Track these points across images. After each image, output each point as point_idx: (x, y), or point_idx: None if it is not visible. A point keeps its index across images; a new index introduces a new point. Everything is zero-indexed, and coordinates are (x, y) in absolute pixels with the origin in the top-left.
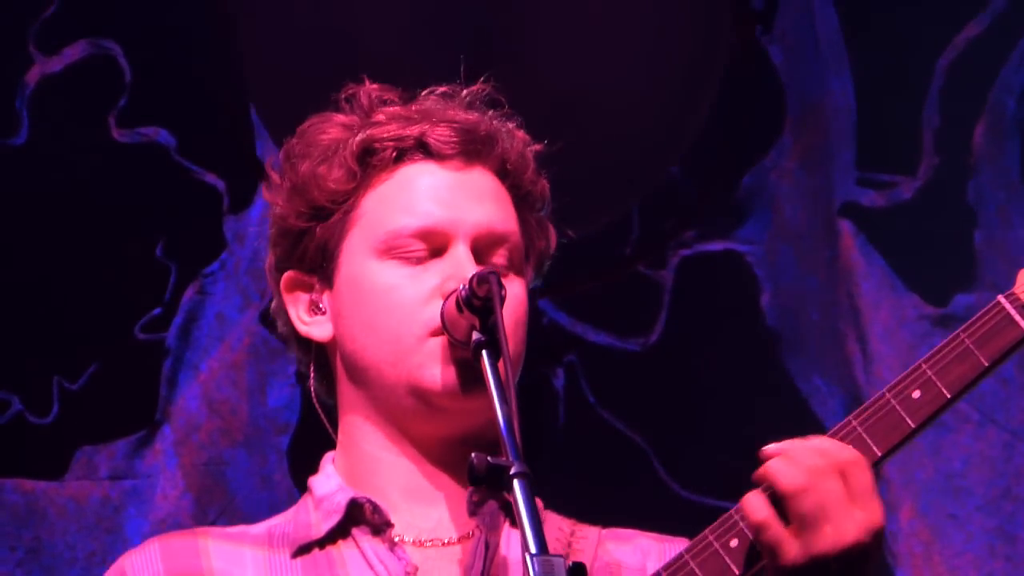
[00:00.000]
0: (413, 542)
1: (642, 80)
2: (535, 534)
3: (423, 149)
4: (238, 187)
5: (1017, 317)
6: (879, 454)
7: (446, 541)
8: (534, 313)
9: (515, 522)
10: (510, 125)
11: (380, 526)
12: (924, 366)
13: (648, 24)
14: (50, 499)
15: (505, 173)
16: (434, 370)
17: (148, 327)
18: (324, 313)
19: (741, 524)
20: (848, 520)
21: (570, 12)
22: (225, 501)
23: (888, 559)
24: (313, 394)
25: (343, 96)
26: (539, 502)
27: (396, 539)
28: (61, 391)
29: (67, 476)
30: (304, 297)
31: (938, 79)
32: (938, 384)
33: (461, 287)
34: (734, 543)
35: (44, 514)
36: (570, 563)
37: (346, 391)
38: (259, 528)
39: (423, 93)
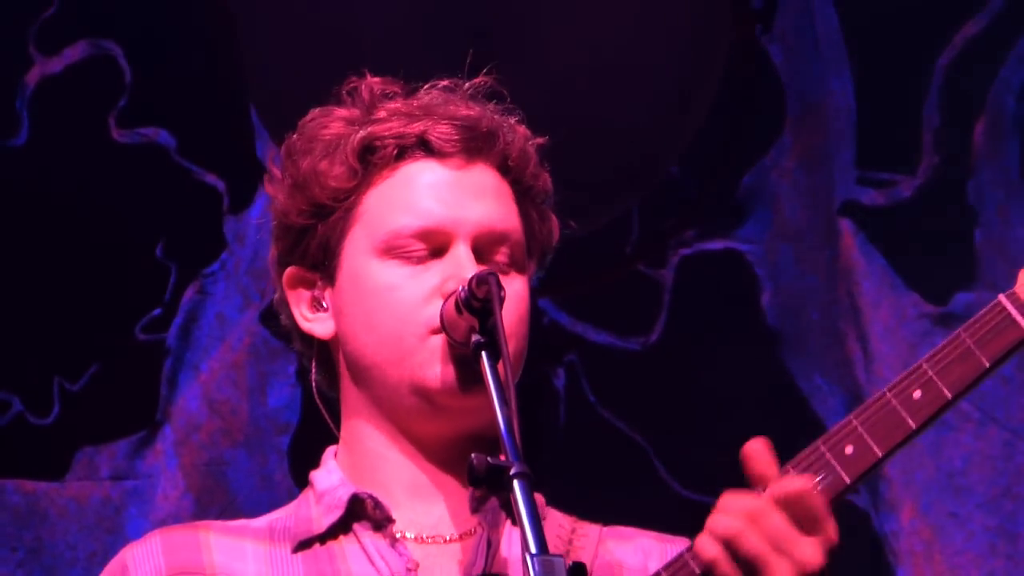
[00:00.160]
0: (414, 538)
1: (642, 79)
2: (535, 534)
3: (424, 146)
4: (238, 187)
5: (1018, 317)
6: (880, 454)
7: (448, 538)
8: (534, 313)
9: (516, 519)
10: (512, 120)
11: (381, 522)
12: (925, 366)
13: (648, 23)
14: (51, 500)
15: (507, 169)
16: (435, 368)
17: (148, 327)
18: (326, 310)
19: (692, 564)
20: (798, 550)
21: (570, 10)
22: (226, 501)
23: (889, 558)
24: (315, 389)
25: (345, 89)
26: (540, 499)
27: (398, 535)
28: (62, 392)
29: (68, 476)
30: (306, 293)
31: (937, 78)
32: (939, 384)
33: (460, 288)
34: None
35: (45, 515)
36: (570, 563)
37: (349, 388)
38: (260, 522)
39: (425, 87)
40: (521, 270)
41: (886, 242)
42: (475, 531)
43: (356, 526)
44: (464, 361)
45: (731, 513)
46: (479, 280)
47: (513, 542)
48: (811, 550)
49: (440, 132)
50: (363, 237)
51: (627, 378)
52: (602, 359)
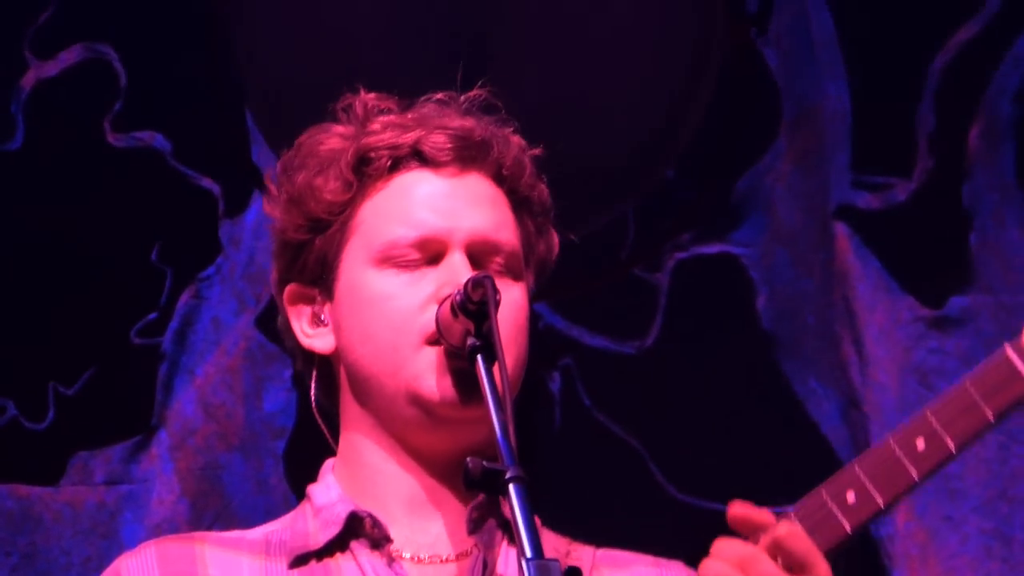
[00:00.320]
0: (411, 558)
1: (637, 83)
2: (530, 539)
3: (418, 157)
4: (233, 191)
5: (1023, 369)
6: (882, 504)
7: (444, 558)
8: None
9: (513, 540)
10: (507, 130)
11: (379, 540)
12: (930, 415)
13: (643, 27)
14: (45, 504)
15: (502, 178)
16: (432, 380)
17: (144, 332)
18: (326, 325)
19: None
20: None
21: (565, 15)
22: (221, 506)
23: (884, 561)
24: (314, 404)
25: (340, 107)
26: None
27: (395, 554)
28: (56, 396)
29: (63, 481)
30: (307, 309)
31: (932, 81)
32: (943, 436)
33: (456, 292)
34: None
35: (40, 519)
36: (566, 567)
37: (348, 402)
38: (256, 534)
39: (420, 100)
40: (518, 278)
41: (881, 245)
42: (471, 552)
43: (353, 543)
44: (462, 372)
45: (723, 558)
46: (475, 283)
47: (510, 562)
48: None
49: (433, 142)
50: (359, 249)
51: (622, 382)
52: (597, 363)
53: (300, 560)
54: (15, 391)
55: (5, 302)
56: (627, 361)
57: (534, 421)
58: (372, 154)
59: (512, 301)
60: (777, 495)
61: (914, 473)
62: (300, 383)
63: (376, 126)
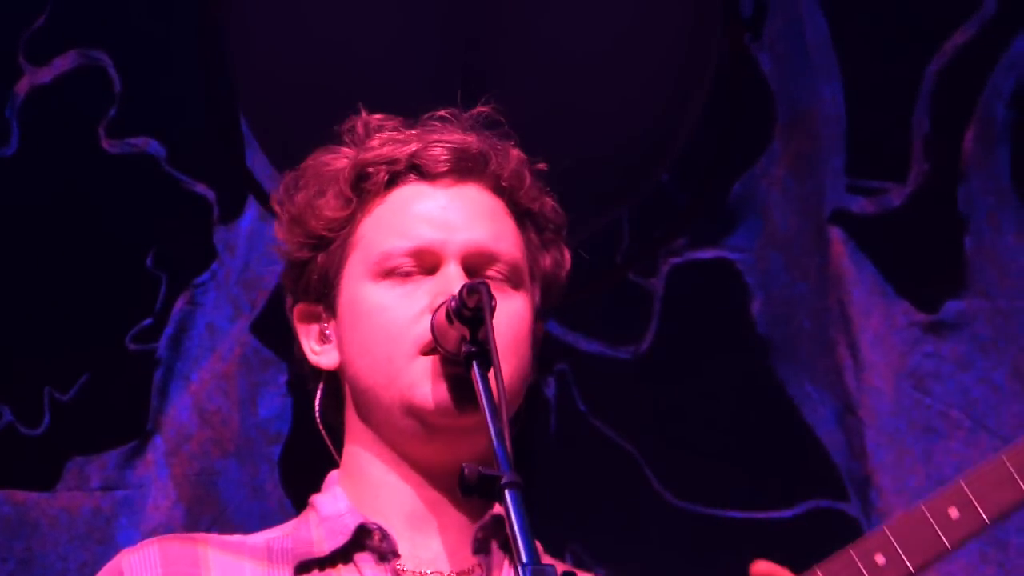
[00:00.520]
0: (413, 572)
1: (631, 88)
2: (526, 544)
3: (416, 170)
4: (228, 197)
5: None
6: (912, 569)
7: (446, 574)
8: None
9: (514, 560)
10: (507, 144)
11: (386, 554)
12: (964, 486)
13: (637, 31)
14: (41, 510)
15: (501, 190)
16: (426, 388)
17: (139, 337)
18: (331, 341)
19: None
20: None
21: (559, 20)
22: (217, 511)
23: None
24: (318, 418)
25: (344, 129)
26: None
27: (399, 569)
28: (52, 402)
29: (58, 487)
30: (314, 328)
31: (927, 85)
32: (977, 507)
33: (451, 298)
34: None
35: (35, 525)
36: (562, 572)
37: (351, 416)
38: (257, 539)
39: (423, 117)
40: (518, 289)
41: (876, 250)
42: (474, 571)
43: (357, 555)
44: (456, 379)
45: None
46: (470, 289)
47: None
48: None
49: (430, 154)
50: (358, 263)
51: (618, 387)
52: (593, 368)
53: (304, 567)
54: (11, 397)
55: (0, 308)
56: (622, 366)
57: (529, 427)
58: (370, 169)
59: (511, 311)
60: (772, 500)
61: (946, 541)
62: (295, 389)
63: (375, 142)
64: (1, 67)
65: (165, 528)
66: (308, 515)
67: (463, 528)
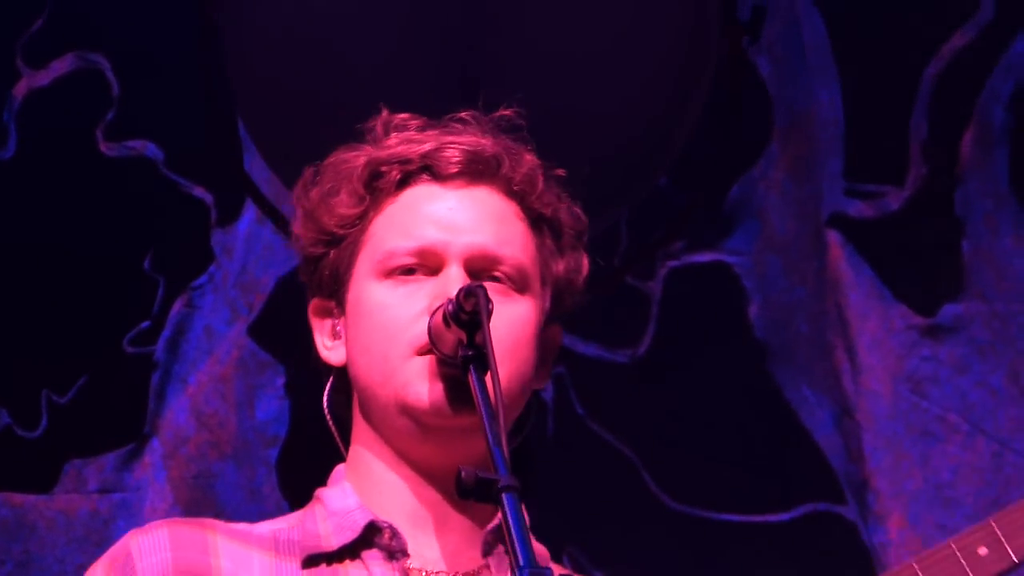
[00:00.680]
0: (421, 571)
1: (630, 91)
2: (522, 548)
3: (428, 171)
4: (226, 200)
5: None
6: None
7: (452, 574)
8: None
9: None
10: (523, 148)
11: (395, 552)
12: (994, 524)
13: (635, 34)
14: (39, 512)
15: (513, 194)
16: (420, 388)
17: (136, 340)
18: (341, 338)
19: None
20: None
21: (558, 24)
22: (214, 514)
23: (878, 569)
24: (327, 411)
25: (367, 126)
26: (544, 552)
27: (408, 568)
28: (49, 404)
29: (56, 489)
30: (327, 323)
31: (925, 89)
32: (1007, 546)
33: (448, 302)
34: None
35: (33, 527)
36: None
37: (356, 413)
38: (263, 529)
39: (444, 119)
40: (523, 293)
41: (874, 253)
42: (480, 572)
43: (365, 553)
44: (452, 379)
45: None
46: (467, 292)
47: None
48: None
49: (443, 155)
50: (366, 261)
51: (615, 390)
52: (590, 371)
53: (312, 561)
54: (8, 399)
55: None
56: (620, 369)
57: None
58: (383, 167)
59: (513, 315)
60: (770, 503)
61: None
62: (293, 392)
63: (392, 141)
64: None
65: None
66: (314, 508)
67: (467, 529)
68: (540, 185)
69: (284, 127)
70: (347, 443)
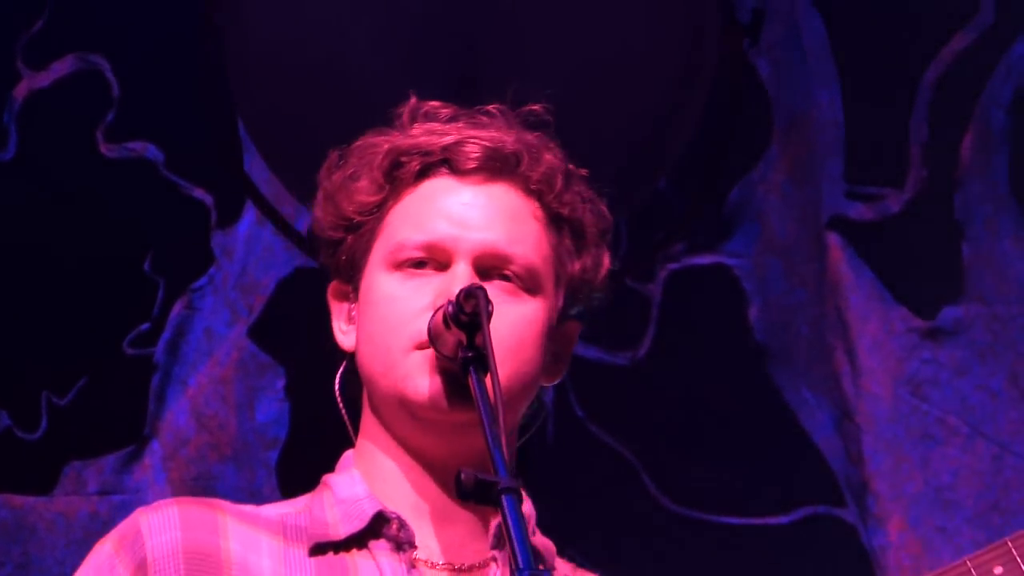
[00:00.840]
0: (427, 563)
1: (629, 93)
2: (522, 550)
3: (447, 164)
4: (226, 202)
5: None
6: None
7: (458, 567)
8: None
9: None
10: (546, 146)
11: (403, 544)
12: (1010, 545)
13: (635, 39)
14: (39, 514)
15: (531, 192)
16: (418, 382)
17: (136, 342)
18: (355, 323)
19: None
20: None
21: (556, 26)
22: None
23: (877, 572)
24: (338, 396)
25: (396, 112)
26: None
27: (415, 559)
28: (49, 406)
29: (56, 491)
30: (344, 307)
31: (925, 92)
32: (1022, 567)
33: (448, 303)
34: None
35: (33, 529)
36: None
37: (365, 401)
38: (271, 513)
39: (473, 109)
40: (534, 293)
41: (874, 256)
42: (488, 564)
43: (372, 543)
44: (450, 375)
45: None
46: (467, 294)
47: None
48: None
49: (463, 150)
50: (379, 250)
51: (615, 393)
52: (590, 374)
53: (319, 549)
54: (8, 401)
55: None
56: (620, 372)
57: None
58: (403, 157)
59: (519, 315)
60: (770, 506)
61: None
62: (293, 394)
63: (416, 131)
64: None
65: None
66: (322, 494)
67: (474, 521)
68: (559, 184)
69: (284, 128)
70: (357, 428)
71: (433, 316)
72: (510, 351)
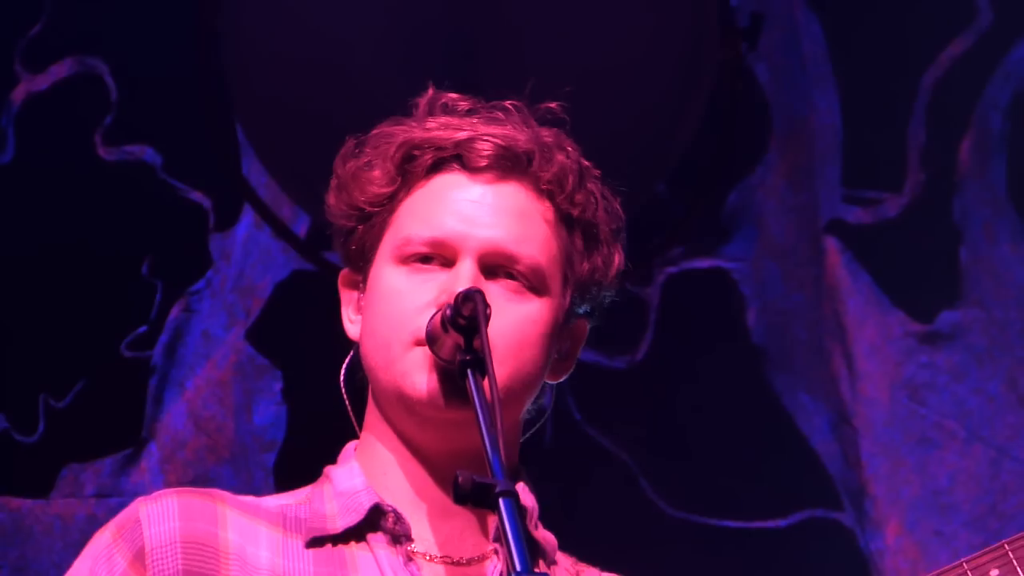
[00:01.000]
0: (425, 556)
1: (629, 98)
2: (519, 552)
3: (459, 160)
4: (224, 205)
5: None
6: None
7: (455, 560)
8: None
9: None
10: (561, 145)
11: (399, 537)
12: (1007, 547)
13: (634, 43)
14: (36, 517)
15: (542, 192)
16: (416, 379)
17: (134, 345)
18: (362, 313)
19: None
20: None
21: (555, 31)
22: None
23: None
24: (343, 386)
25: (414, 103)
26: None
27: (412, 552)
28: (47, 409)
29: (53, 494)
30: (354, 295)
31: (923, 96)
32: (1019, 570)
33: (446, 307)
34: None
35: (30, 532)
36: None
37: (369, 394)
38: (271, 504)
39: (490, 103)
40: (539, 293)
41: (872, 260)
42: (487, 556)
43: (370, 535)
44: (449, 375)
45: None
46: (465, 297)
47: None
48: None
49: (475, 146)
50: (387, 243)
51: (613, 396)
52: (588, 377)
53: (316, 542)
54: (6, 404)
55: None
56: (618, 375)
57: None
58: (416, 151)
59: (521, 315)
60: (767, 510)
61: None
62: (290, 397)
63: (432, 124)
64: None
65: None
66: (323, 486)
67: (471, 515)
68: (570, 185)
69: (282, 132)
70: (361, 420)
71: (431, 319)
72: (511, 350)
